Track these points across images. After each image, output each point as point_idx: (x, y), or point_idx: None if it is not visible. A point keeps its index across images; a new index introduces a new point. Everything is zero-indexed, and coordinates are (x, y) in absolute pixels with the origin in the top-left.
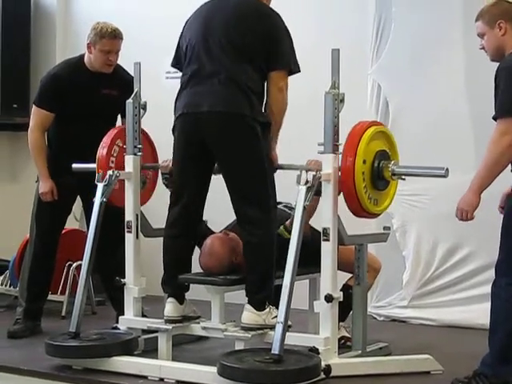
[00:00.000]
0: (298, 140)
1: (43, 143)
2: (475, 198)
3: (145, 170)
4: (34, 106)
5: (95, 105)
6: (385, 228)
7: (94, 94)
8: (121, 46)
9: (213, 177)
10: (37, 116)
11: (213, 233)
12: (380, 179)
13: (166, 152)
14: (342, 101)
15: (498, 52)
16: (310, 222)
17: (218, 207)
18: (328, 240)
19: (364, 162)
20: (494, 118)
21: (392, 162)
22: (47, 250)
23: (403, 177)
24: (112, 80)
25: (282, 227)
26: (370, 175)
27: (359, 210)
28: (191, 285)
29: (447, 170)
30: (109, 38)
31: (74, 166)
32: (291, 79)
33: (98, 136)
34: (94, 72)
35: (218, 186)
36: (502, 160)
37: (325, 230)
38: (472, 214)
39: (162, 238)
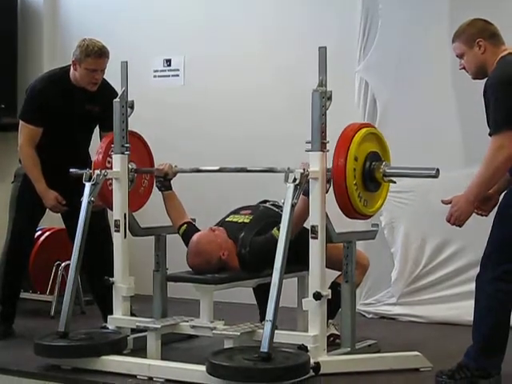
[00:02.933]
0: (288, 140)
1: (36, 157)
2: (470, 207)
3: (140, 173)
4: (20, 121)
5: (76, 119)
6: (373, 225)
7: (76, 110)
8: (107, 64)
9: (201, 177)
10: (25, 132)
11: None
12: (371, 180)
13: (151, 147)
14: (330, 98)
15: (480, 70)
16: None
17: (206, 207)
18: (316, 238)
19: (355, 163)
20: (490, 135)
21: (383, 163)
22: (22, 252)
23: (394, 180)
24: (96, 96)
25: (275, 229)
26: (362, 176)
27: (351, 211)
28: (179, 283)
29: (438, 170)
30: (94, 56)
31: (72, 170)
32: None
33: (75, 148)
34: (79, 87)
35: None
36: (498, 174)
37: (313, 227)
38: (464, 222)
39: (150, 237)
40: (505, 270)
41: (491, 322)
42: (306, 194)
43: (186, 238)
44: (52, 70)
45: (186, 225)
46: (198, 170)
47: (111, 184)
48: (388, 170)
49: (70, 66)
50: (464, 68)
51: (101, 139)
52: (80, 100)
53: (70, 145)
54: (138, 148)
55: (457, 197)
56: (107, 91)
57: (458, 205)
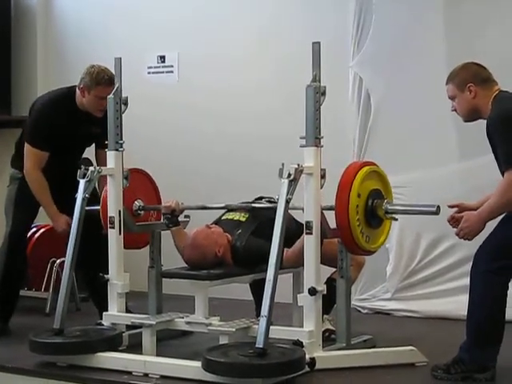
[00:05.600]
0: (284, 137)
1: (44, 181)
2: (481, 226)
3: (148, 211)
4: (27, 145)
5: (77, 140)
6: None
7: (80, 131)
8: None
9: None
10: (33, 156)
11: None
12: (373, 217)
13: (145, 144)
14: (324, 94)
15: (470, 114)
16: (292, 214)
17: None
18: (311, 233)
19: (358, 199)
20: (503, 172)
21: (385, 201)
22: (22, 252)
23: (396, 217)
24: (99, 118)
25: None
26: (364, 212)
27: (354, 247)
28: (174, 279)
29: (438, 207)
30: (105, 85)
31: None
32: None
33: (73, 166)
34: (83, 110)
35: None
36: (510, 206)
37: (308, 223)
38: (473, 238)
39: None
40: (500, 266)
41: (484, 314)
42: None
43: None
44: (57, 92)
45: None
46: (205, 208)
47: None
48: (390, 207)
49: (74, 87)
50: (455, 110)
51: (96, 155)
52: (85, 122)
53: (69, 163)
54: (144, 185)
55: (469, 214)
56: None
57: (469, 222)
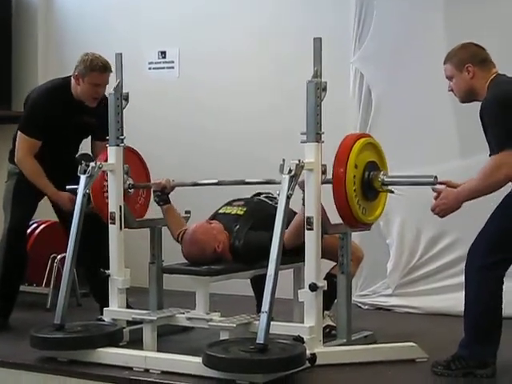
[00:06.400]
0: (285, 133)
1: (38, 166)
2: (457, 206)
3: (138, 188)
4: (20, 133)
5: (73, 130)
6: None
7: (74, 121)
8: (109, 78)
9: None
10: (25, 144)
11: None
12: (370, 189)
13: (146, 139)
14: (325, 89)
15: (467, 94)
16: (292, 207)
17: (202, 200)
18: (312, 229)
19: (355, 170)
20: (490, 155)
21: (382, 173)
22: (22, 248)
23: (392, 189)
24: (94, 109)
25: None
26: (361, 184)
27: (351, 219)
28: (175, 275)
29: (436, 177)
30: (99, 71)
31: (68, 187)
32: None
33: (68, 157)
34: (78, 100)
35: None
36: (492, 189)
37: (308, 218)
38: (446, 216)
39: (145, 229)
40: (495, 261)
41: (479, 310)
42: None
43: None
44: (53, 82)
45: (184, 231)
46: (196, 184)
47: (107, 191)
48: (386, 179)
49: (70, 77)
50: (452, 90)
51: (92, 147)
52: (78, 112)
53: (63, 154)
54: (134, 163)
55: (447, 191)
56: (104, 103)
57: (446, 199)
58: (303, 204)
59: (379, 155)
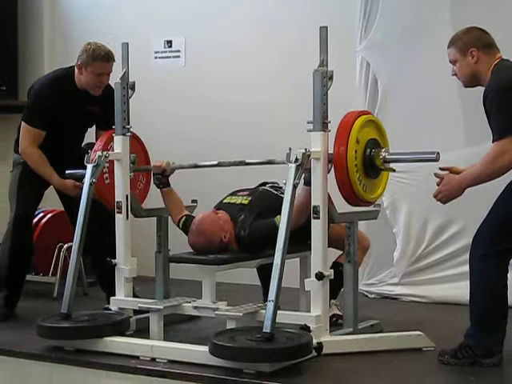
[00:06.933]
0: (290, 123)
1: (41, 155)
2: (459, 192)
3: (137, 172)
4: (24, 123)
5: (76, 119)
6: (375, 205)
7: (79, 111)
8: (112, 67)
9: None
10: (29, 134)
11: None
12: (371, 166)
13: (151, 128)
14: (331, 78)
15: (471, 79)
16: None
17: (209, 189)
18: (318, 218)
19: (357, 145)
20: (493, 141)
21: (383, 150)
22: (28, 237)
23: (394, 168)
24: (97, 97)
25: (278, 216)
26: (362, 160)
27: (353, 197)
28: (182, 264)
29: (438, 153)
30: (102, 60)
31: (68, 172)
32: (279, 60)
33: (73, 146)
34: (82, 90)
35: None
36: (495, 176)
37: (315, 207)
38: (448, 202)
39: (152, 219)
40: (498, 250)
41: (484, 299)
42: (308, 184)
43: (186, 228)
44: (56, 72)
45: (185, 217)
46: (196, 166)
47: (107, 178)
48: (388, 156)
49: (73, 67)
50: (455, 75)
51: (96, 136)
52: (82, 102)
53: (68, 143)
54: (133, 147)
55: (450, 176)
56: (109, 93)
57: (449, 184)
58: (304, 184)
59: (381, 133)
